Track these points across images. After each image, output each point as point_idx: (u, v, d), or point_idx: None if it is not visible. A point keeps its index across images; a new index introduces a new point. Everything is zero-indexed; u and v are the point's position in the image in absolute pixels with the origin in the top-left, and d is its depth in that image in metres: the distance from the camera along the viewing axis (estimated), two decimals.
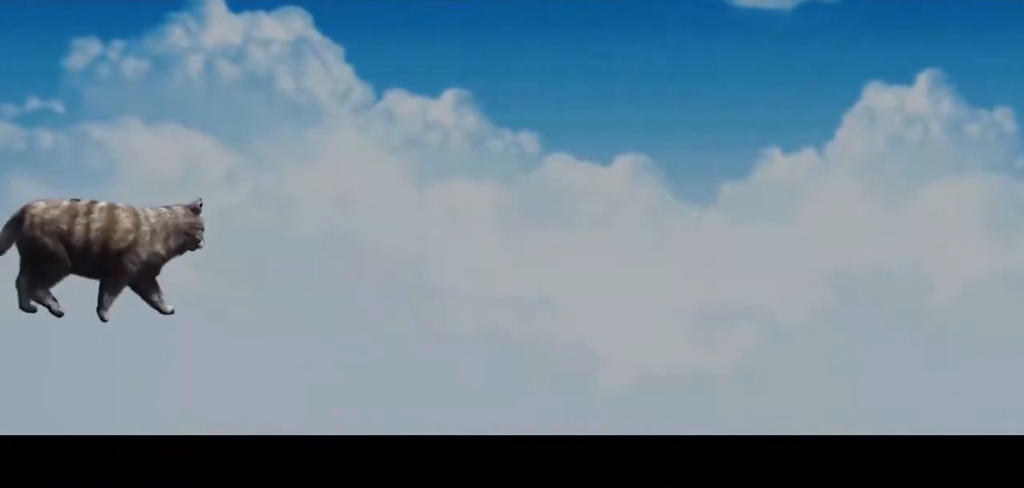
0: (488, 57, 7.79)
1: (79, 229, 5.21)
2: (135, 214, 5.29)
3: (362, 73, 7.80)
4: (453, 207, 7.43)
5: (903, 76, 7.80)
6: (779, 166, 7.70)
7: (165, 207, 5.35)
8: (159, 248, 5.29)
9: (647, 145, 7.64)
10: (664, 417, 6.08)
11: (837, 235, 7.43)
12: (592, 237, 7.38)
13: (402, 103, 7.82)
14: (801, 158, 7.71)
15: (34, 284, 5.26)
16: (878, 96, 7.82)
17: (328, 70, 7.80)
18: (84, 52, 7.72)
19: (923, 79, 7.80)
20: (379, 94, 7.81)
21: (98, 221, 5.23)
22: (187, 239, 5.35)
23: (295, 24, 7.80)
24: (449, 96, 7.83)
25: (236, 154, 7.60)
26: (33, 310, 5.29)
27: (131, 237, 5.24)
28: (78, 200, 5.26)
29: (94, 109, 7.66)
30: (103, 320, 5.29)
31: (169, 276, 6.74)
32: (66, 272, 5.28)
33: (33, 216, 5.23)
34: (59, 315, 5.27)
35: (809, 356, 6.97)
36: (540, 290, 7.01)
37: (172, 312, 5.38)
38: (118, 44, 7.72)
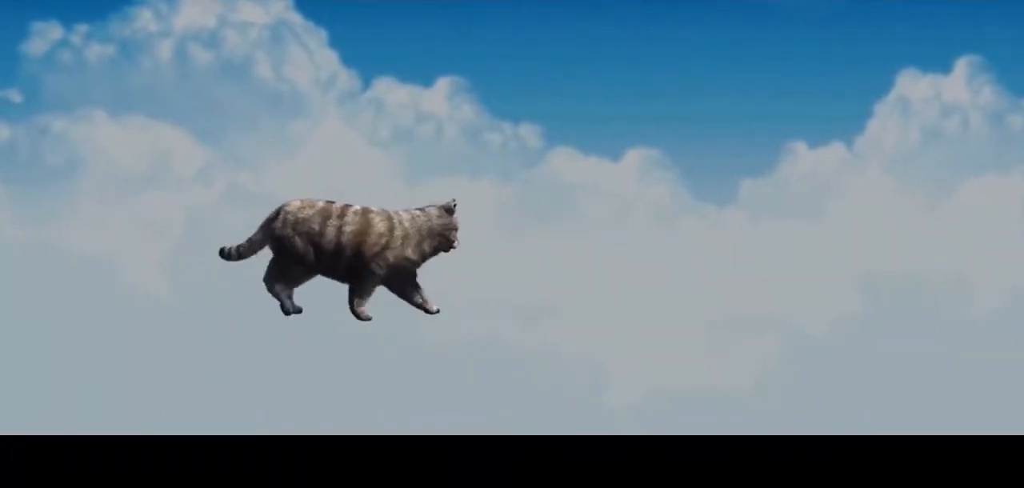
0: (486, 42, 7.83)
1: (331, 232, 5.44)
2: (389, 218, 5.49)
3: (348, 59, 7.83)
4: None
5: (939, 63, 7.83)
6: (804, 161, 7.72)
7: (418, 209, 5.55)
8: (410, 253, 5.50)
9: (660, 139, 7.67)
10: (677, 435, 6.06)
11: (867, 236, 7.43)
12: (599, 239, 7.38)
13: (392, 92, 7.85)
14: (828, 152, 7.73)
15: (272, 276, 5.51)
16: (912, 85, 7.84)
17: (311, 56, 7.81)
18: (44, 37, 7.73)
19: (961, 66, 7.81)
20: (367, 82, 7.84)
21: (351, 225, 5.45)
22: (441, 241, 5.54)
23: (274, 6, 7.81)
24: (443, 84, 7.85)
25: (210, 148, 7.62)
26: (297, 309, 5.55)
27: (384, 241, 5.45)
28: (332, 202, 5.49)
29: (55, 99, 7.70)
30: (364, 319, 5.50)
31: (143, 281, 6.72)
32: (309, 275, 5.52)
33: (287, 214, 5.47)
34: (296, 312, 5.50)
35: (836, 368, 6.95)
36: (542, 297, 7.01)
37: (437, 311, 5.57)
38: (81, 28, 7.76)
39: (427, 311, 5.58)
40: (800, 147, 7.69)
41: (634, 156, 7.67)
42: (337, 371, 6.21)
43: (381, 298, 5.60)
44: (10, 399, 6.21)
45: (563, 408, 6.71)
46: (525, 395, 6.68)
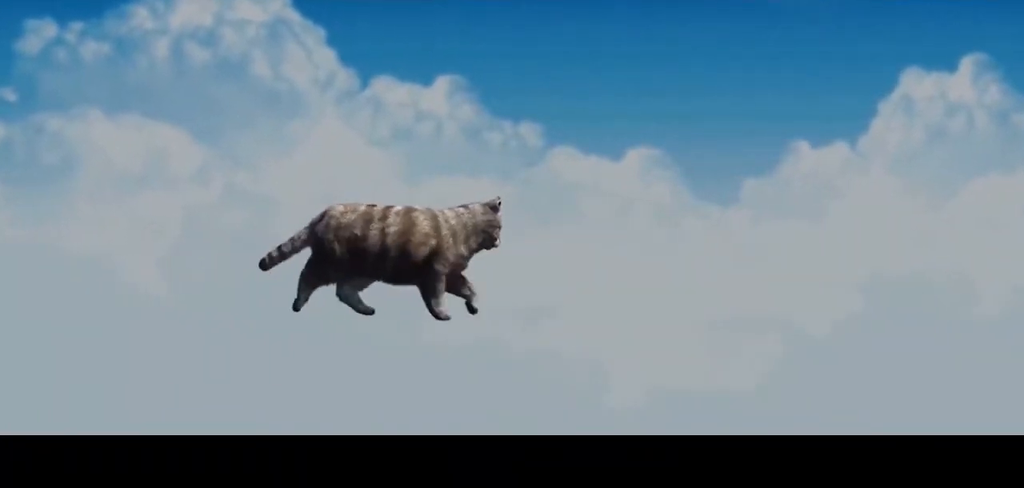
0: (485, 41, 7.82)
1: (374, 235, 5.51)
2: (433, 217, 5.57)
3: (346, 58, 7.83)
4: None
5: (944, 61, 7.83)
6: (807, 160, 7.72)
7: (462, 206, 5.62)
8: (462, 249, 5.57)
9: (661, 138, 7.66)
10: (678, 435, 6.06)
11: (871, 236, 7.43)
12: (600, 239, 7.37)
13: (391, 91, 7.85)
14: (832, 152, 7.74)
15: (308, 273, 5.56)
16: (916, 83, 7.83)
17: (309, 55, 7.80)
18: (39, 35, 7.73)
19: (966, 64, 7.81)
20: (365, 81, 7.84)
21: (394, 226, 5.52)
22: (485, 238, 5.62)
23: (272, 4, 7.81)
24: (442, 83, 7.85)
25: (207, 148, 7.61)
26: (368, 310, 5.56)
27: (433, 242, 5.53)
28: (374, 205, 5.55)
29: (50, 98, 7.69)
30: (443, 318, 5.57)
31: (140, 281, 6.72)
32: (343, 279, 5.57)
33: (331, 218, 5.53)
34: (295, 310, 5.55)
35: (840, 370, 6.94)
36: (543, 298, 7.01)
37: (476, 311, 5.64)
38: (76, 26, 7.75)
39: (471, 307, 5.64)
40: (803, 146, 7.70)
41: (635, 155, 7.67)
42: (337, 371, 6.23)
43: (378, 298, 5.63)
44: (7, 399, 6.22)
45: (564, 409, 6.70)
46: (525, 396, 6.68)
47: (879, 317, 7.23)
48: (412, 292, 5.70)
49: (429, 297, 5.56)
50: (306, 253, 5.58)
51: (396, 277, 5.58)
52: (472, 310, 5.65)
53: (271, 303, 5.70)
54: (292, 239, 5.58)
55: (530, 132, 7.78)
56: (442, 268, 5.55)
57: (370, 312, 5.62)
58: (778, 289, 7.19)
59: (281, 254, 5.57)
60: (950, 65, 7.79)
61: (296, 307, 5.59)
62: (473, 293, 5.64)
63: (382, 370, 6.29)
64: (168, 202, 7.40)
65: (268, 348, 6.30)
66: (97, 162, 7.53)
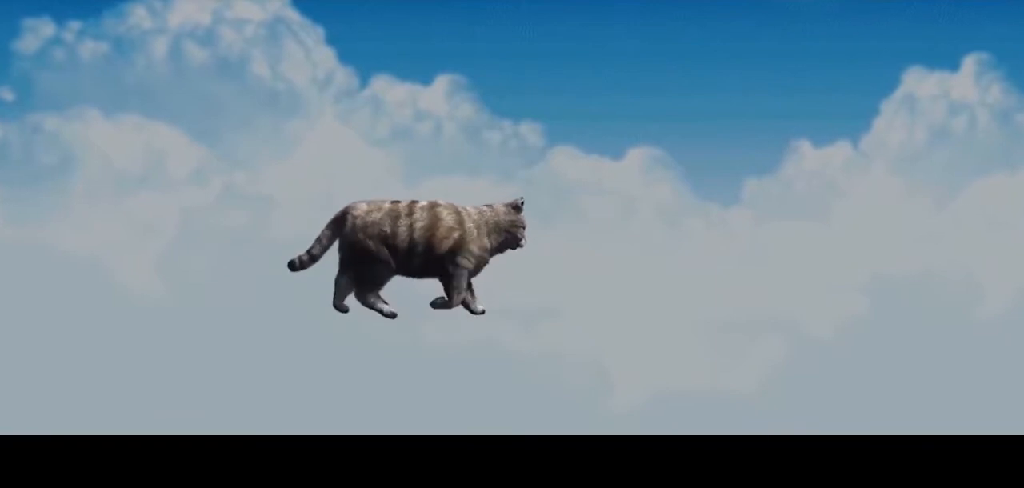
0: (485, 39, 7.82)
1: (403, 230, 5.52)
2: (456, 211, 5.58)
3: (345, 57, 7.83)
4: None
5: (947, 60, 7.83)
6: (810, 160, 7.72)
7: (486, 205, 5.63)
8: (486, 243, 5.59)
9: (662, 137, 7.66)
10: (681, 435, 6.06)
11: (874, 236, 7.42)
12: (602, 239, 7.37)
13: (390, 90, 7.85)
14: (834, 151, 7.74)
15: (360, 288, 5.57)
16: (919, 82, 7.84)
17: (308, 54, 7.80)
18: (36, 34, 7.73)
19: (969, 63, 7.81)
20: (364, 80, 7.84)
21: (421, 221, 5.54)
22: (508, 237, 5.63)
23: (271, 3, 7.81)
24: (442, 82, 7.85)
25: (205, 147, 7.61)
26: (346, 310, 5.57)
27: (456, 234, 5.55)
28: (398, 201, 5.57)
29: (48, 97, 7.69)
30: (454, 306, 5.58)
31: (137, 282, 6.70)
32: (390, 274, 5.57)
33: (355, 219, 5.52)
34: (392, 317, 5.57)
35: (843, 372, 6.94)
36: (543, 299, 6.99)
37: (483, 312, 5.67)
38: (74, 25, 7.75)
39: (473, 312, 5.64)
40: (805, 146, 7.71)
41: (636, 155, 7.68)
42: (337, 371, 6.22)
43: (389, 296, 5.62)
44: (2, 400, 6.22)
45: (565, 410, 6.70)
46: (527, 397, 6.67)
47: (882, 317, 7.23)
48: (412, 292, 5.69)
49: (452, 292, 5.56)
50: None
51: (422, 271, 5.59)
52: (475, 312, 5.65)
53: (270, 303, 5.69)
54: (318, 240, 5.57)
55: (530, 131, 7.79)
56: (467, 262, 5.56)
57: (393, 315, 5.60)
58: (781, 289, 7.20)
59: (311, 257, 5.56)
60: (952, 64, 7.82)
61: (342, 308, 5.58)
62: (474, 299, 5.64)
63: (382, 370, 6.27)
64: (165, 203, 7.40)
65: (267, 348, 6.29)
66: (94, 162, 7.53)
